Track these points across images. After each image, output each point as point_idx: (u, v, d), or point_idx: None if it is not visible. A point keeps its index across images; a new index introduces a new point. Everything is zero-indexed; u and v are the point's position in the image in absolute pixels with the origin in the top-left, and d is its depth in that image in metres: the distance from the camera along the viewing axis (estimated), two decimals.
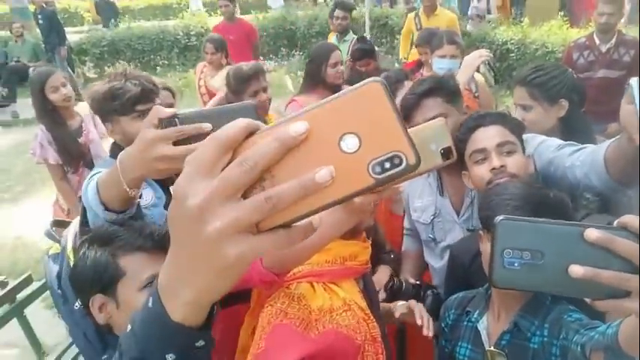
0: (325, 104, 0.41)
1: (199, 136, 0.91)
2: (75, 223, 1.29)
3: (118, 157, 1.04)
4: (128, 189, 1.04)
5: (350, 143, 0.40)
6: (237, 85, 2.56)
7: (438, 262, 1.86)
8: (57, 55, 8.77)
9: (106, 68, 9.99)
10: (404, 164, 0.40)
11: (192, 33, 10.45)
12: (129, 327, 0.50)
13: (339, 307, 1.22)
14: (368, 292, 1.40)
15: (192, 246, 0.41)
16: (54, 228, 1.55)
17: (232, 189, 0.39)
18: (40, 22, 9.06)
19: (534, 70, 1.88)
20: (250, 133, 0.41)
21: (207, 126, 0.91)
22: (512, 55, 7.19)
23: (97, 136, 3.06)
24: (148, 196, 1.52)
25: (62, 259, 1.27)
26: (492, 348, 1.27)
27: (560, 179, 1.51)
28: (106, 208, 1.13)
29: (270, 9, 12.21)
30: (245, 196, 0.40)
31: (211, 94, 4.25)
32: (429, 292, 1.68)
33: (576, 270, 0.58)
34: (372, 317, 1.27)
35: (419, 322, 1.43)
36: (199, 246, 0.41)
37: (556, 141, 1.60)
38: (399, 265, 1.94)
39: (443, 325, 1.46)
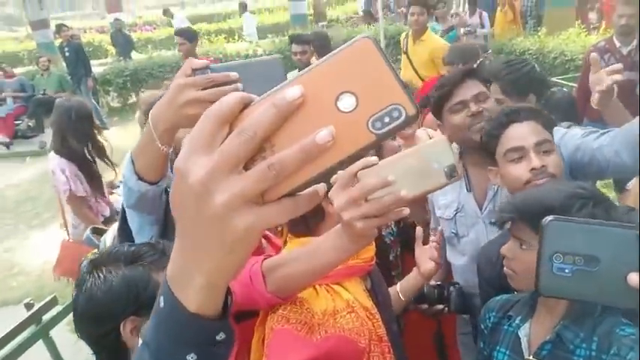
0: (317, 66, 0.40)
1: (228, 85, 0.95)
2: (113, 228, 1.32)
3: (150, 113, 1.05)
4: (160, 144, 1.05)
5: (347, 102, 0.39)
6: None
7: (459, 260, 1.84)
8: (83, 87, 9.06)
9: (128, 97, 10.27)
10: (403, 116, 0.39)
11: (211, 59, 10.69)
12: (139, 343, 0.47)
13: (342, 309, 1.18)
14: (375, 291, 1.35)
15: (199, 224, 0.40)
16: (93, 234, 1.57)
17: (234, 161, 0.38)
18: (67, 54, 9.39)
19: (505, 66, 1.85)
20: (245, 106, 0.41)
21: (234, 74, 0.94)
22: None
23: None
24: None
25: None
26: (532, 358, 1.19)
27: (589, 164, 1.52)
28: (140, 179, 1.14)
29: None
30: (247, 168, 0.39)
31: None
32: (451, 288, 1.67)
33: (635, 279, 0.52)
34: (376, 316, 1.23)
35: None
36: (206, 223, 0.39)
37: (579, 130, 1.63)
38: None
39: (482, 326, 1.39)
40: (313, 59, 4.31)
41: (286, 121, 0.39)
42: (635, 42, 3.52)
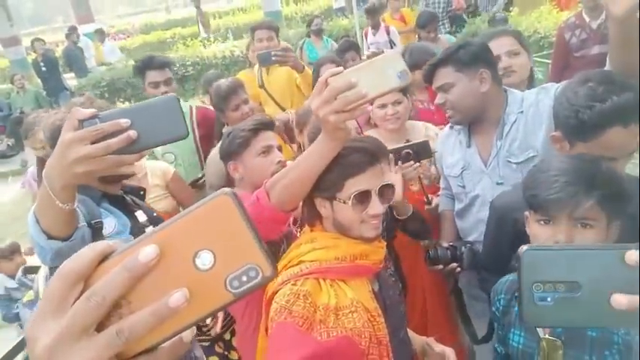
0: (176, 221, 0.40)
1: (120, 134, 0.87)
2: (45, 267, 1.27)
3: (43, 172, 0.97)
4: (61, 204, 0.98)
5: (205, 260, 0.39)
6: (218, 102, 2.67)
7: (465, 221, 1.96)
8: (61, 101, 8.93)
9: (108, 108, 10.14)
10: (260, 276, 0.39)
11: (188, 63, 10.60)
12: None
13: (345, 307, 1.19)
14: (383, 295, 1.35)
15: None
16: (25, 275, 1.47)
17: (81, 327, 0.37)
18: (43, 69, 9.24)
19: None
20: (105, 257, 0.40)
21: (125, 121, 0.87)
22: None
23: None
24: (110, 225, 1.50)
25: (37, 305, 1.18)
26: (547, 336, 1.20)
27: None
28: (50, 237, 1.08)
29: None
30: (101, 326, 0.38)
31: None
32: (463, 248, 1.78)
33: (619, 300, 0.52)
34: (378, 319, 1.23)
35: None
36: None
37: None
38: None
39: (494, 309, 1.40)
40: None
41: (143, 279, 0.38)
42: (603, 15, 3.58)
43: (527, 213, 1.28)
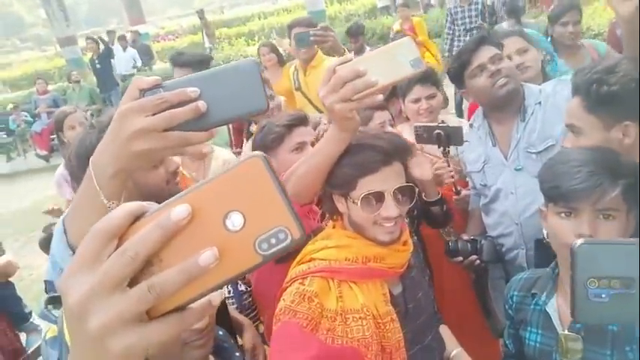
0: (208, 183, 0.40)
1: (187, 105, 0.72)
2: None
3: (91, 160, 0.81)
4: (106, 200, 0.79)
5: (235, 221, 0.39)
6: None
7: (491, 217, 1.97)
8: (114, 98, 9.32)
9: None
10: (289, 239, 0.39)
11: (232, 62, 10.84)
12: None
13: (355, 311, 1.15)
14: (405, 298, 1.29)
15: (78, 347, 0.40)
16: (49, 306, 1.34)
17: (114, 281, 0.38)
18: (98, 66, 9.65)
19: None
20: (137, 218, 0.40)
21: (193, 90, 0.72)
22: None
23: None
24: None
25: (60, 343, 1.07)
26: (566, 332, 1.16)
27: None
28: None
29: None
30: (133, 282, 0.39)
31: None
32: (482, 241, 1.80)
33: None
34: (389, 325, 1.18)
35: None
36: (84, 346, 0.39)
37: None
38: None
39: (507, 306, 1.37)
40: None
41: (174, 237, 0.39)
42: None
43: (542, 207, 1.26)
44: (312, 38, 2.54)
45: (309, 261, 1.23)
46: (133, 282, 0.38)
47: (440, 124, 1.85)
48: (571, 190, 1.11)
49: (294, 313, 1.12)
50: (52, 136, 9.32)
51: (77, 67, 11.19)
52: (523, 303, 1.32)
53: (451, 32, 6.44)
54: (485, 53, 1.80)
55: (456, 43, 6.28)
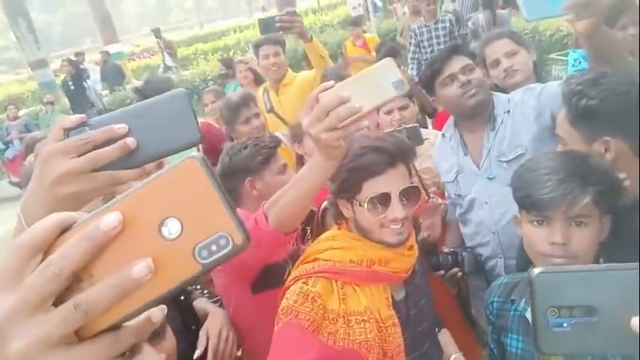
0: (142, 188, 0.37)
1: (115, 142, 0.68)
2: None
3: (21, 204, 0.78)
4: None
5: (171, 228, 0.36)
6: (229, 114, 2.61)
7: (467, 227, 1.98)
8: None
9: None
10: (230, 245, 0.36)
11: (208, 78, 10.78)
12: None
13: (357, 313, 1.15)
14: (408, 304, 1.29)
15: None
16: None
17: (37, 300, 0.34)
18: (72, 87, 9.52)
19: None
20: (65, 229, 0.37)
21: (121, 127, 0.67)
22: None
23: None
24: None
25: None
26: None
27: None
28: None
29: None
30: (59, 301, 0.35)
31: None
32: (463, 253, 1.81)
33: (637, 323, 0.48)
34: (389, 330, 1.18)
35: None
36: None
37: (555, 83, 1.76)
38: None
39: (487, 312, 1.36)
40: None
41: (105, 249, 0.36)
42: None
43: (517, 214, 1.26)
44: (278, 24, 2.47)
45: (313, 261, 1.24)
46: (59, 300, 0.35)
47: (397, 128, 1.94)
48: (542, 199, 1.11)
49: (297, 313, 1.12)
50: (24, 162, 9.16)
51: (49, 91, 11.06)
52: (503, 309, 1.32)
53: (416, 57, 5.49)
54: (457, 63, 1.81)
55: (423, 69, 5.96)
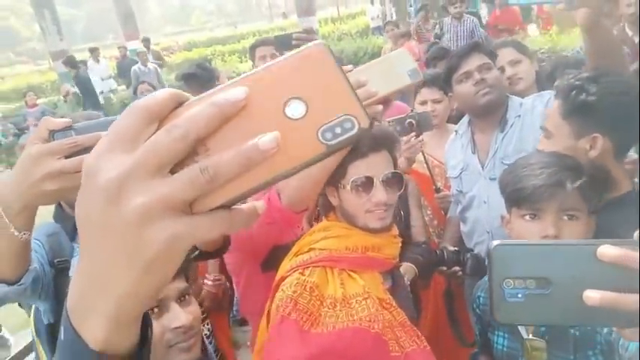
0: (266, 69, 0.36)
1: None
2: None
3: None
4: (17, 232, 0.80)
5: (296, 109, 0.35)
6: None
7: (466, 225, 2.01)
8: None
9: None
10: (356, 128, 0.35)
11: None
12: None
13: (357, 294, 1.16)
14: (394, 293, 1.31)
15: (107, 235, 0.33)
16: None
17: (159, 161, 0.32)
18: (75, 87, 9.74)
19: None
20: (178, 104, 0.36)
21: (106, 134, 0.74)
22: (543, 63, 7.01)
23: None
24: None
25: None
26: (531, 336, 1.17)
27: None
28: None
29: None
30: (173, 173, 0.33)
31: None
32: (467, 255, 1.81)
33: (592, 296, 0.50)
34: (394, 304, 1.20)
35: None
36: (116, 233, 0.32)
37: None
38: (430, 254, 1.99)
39: (474, 306, 1.37)
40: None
41: (226, 124, 0.34)
42: None
43: (506, 215, 1.27)
44: (294, 42, 2.46)
45: (309, 251, 1.25)
46: (173, 171, 0.33)
47: (409, 113, 1.94)
48: (535, 190, 1.13)
49: (295, 303, 1.12)
50: None
51: (69, 81, 11.20)
52: (488, 304, 1.29)
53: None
54: (475, 61, 1.83)
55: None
